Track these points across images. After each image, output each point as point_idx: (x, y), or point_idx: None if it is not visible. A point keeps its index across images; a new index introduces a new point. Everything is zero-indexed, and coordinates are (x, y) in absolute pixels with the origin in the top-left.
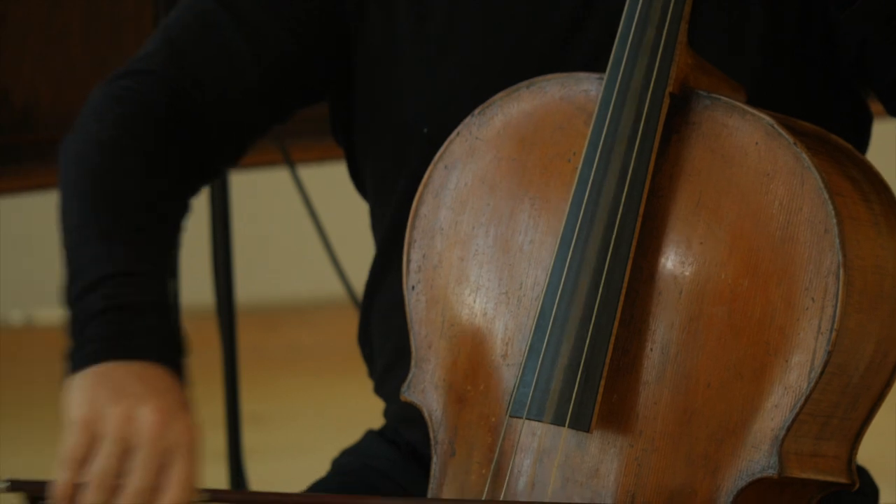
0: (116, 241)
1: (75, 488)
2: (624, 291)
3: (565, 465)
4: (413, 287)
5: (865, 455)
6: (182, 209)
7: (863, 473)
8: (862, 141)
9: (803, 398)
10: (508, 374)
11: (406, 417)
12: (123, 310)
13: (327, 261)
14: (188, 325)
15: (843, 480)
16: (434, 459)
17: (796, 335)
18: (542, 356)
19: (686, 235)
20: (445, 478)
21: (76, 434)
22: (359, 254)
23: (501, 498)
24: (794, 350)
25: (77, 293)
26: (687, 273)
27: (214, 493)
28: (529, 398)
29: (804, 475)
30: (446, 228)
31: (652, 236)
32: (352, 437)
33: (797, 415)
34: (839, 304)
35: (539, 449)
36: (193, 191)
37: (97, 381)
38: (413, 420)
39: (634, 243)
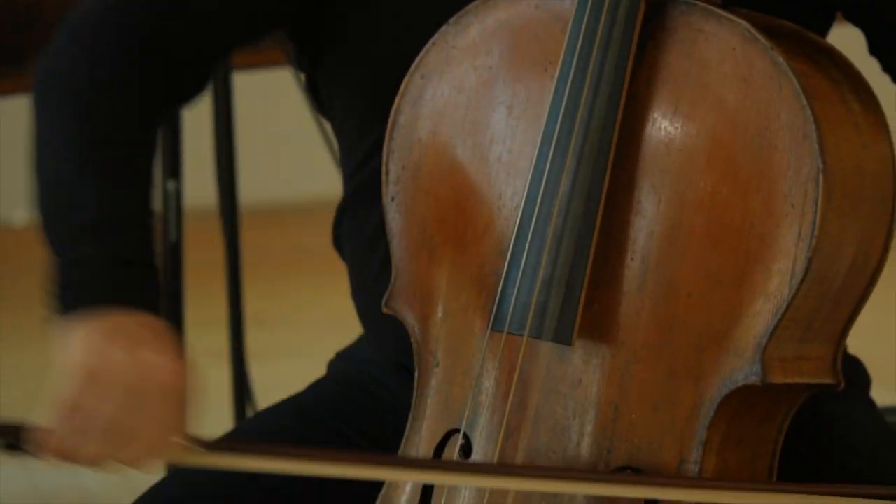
0: (106, 180)
1: (66, 436)
2: (603, 201)
3: (548, 377)
4: (392, 198)
5: (860, 353)
6: (154, 142)
7: (856, 363)
8: None
9: (785, 305)
10: (490, 286)
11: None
12: (122, 258)
13: (332, 161)
14: (192, 226)
15: (828, 381)
16: (417, 371)
17: (776, 242)
18: (522, 269)
19: (664, 143)
20: (429, 389)
21: (78, 380)
22: None
23: (484, 410)
24: (775, 257)
25: (69, 233)
26: (666, 182)
27: (207, 445)
28: (510, 312)
29: (788, 380)
30: (424, 139)
31: (630, 144)
32: (355, 338)
33: (779, 321)
34: (819, 210)
35: (521, 361)
36: (158, 124)
37: (102, 328)
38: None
39: (612, 152)
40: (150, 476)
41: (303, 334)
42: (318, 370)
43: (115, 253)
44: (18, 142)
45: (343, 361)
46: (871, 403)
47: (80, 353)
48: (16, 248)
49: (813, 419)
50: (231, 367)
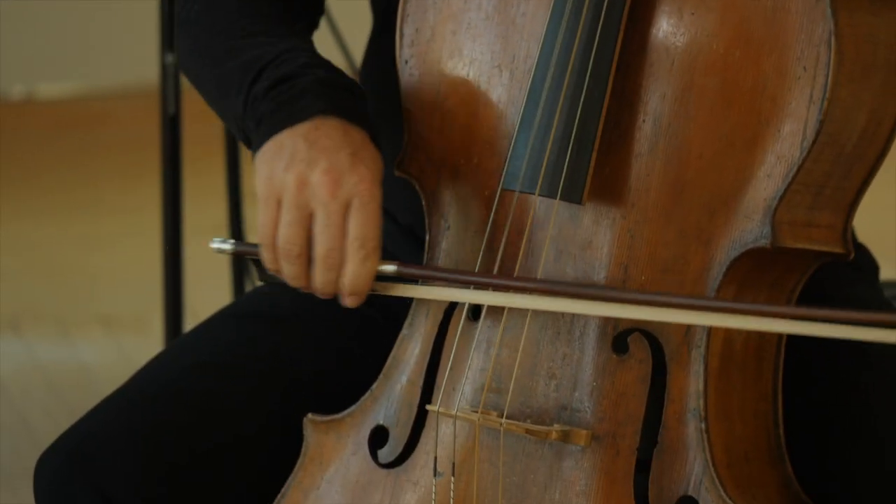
0: (267, 39)
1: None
2: (615, 63)
3: (558, 237)
4: (406, 61)
5: (865, 231)
6: None
7: (863, 250)
8: None
9: (795, 167)
10: (501, 148)
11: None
12: (284, 80)
13: (328, 33)
14: (190, 99)
15: (837, 250)
16: (428, 235)
17: (788, 104)
18: (534, 128)
19: (677, 6)
20: (440, 251)
21: (261, 212)
22: (360, 26)
23: (495, 270)
24: (786, 119)
25: (245, 94)
26: (678, 44)
27: (401, 267)
28: (522, 171)
29: (797, 245)
30: (439, 1)
31: (643, 7)
32: None
33: (790, 184)
34: (831, 73)
35: (532, 221)
36: None
37: (271, 155)
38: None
39: (626, 14)
40: (148, 351)
41: None
42: None
43: (271, 78)
44: (15, 15)
45: None
46: (879, 289)
47: (257, 184)
48: (14, 121)
49: (822, 303)
50: None
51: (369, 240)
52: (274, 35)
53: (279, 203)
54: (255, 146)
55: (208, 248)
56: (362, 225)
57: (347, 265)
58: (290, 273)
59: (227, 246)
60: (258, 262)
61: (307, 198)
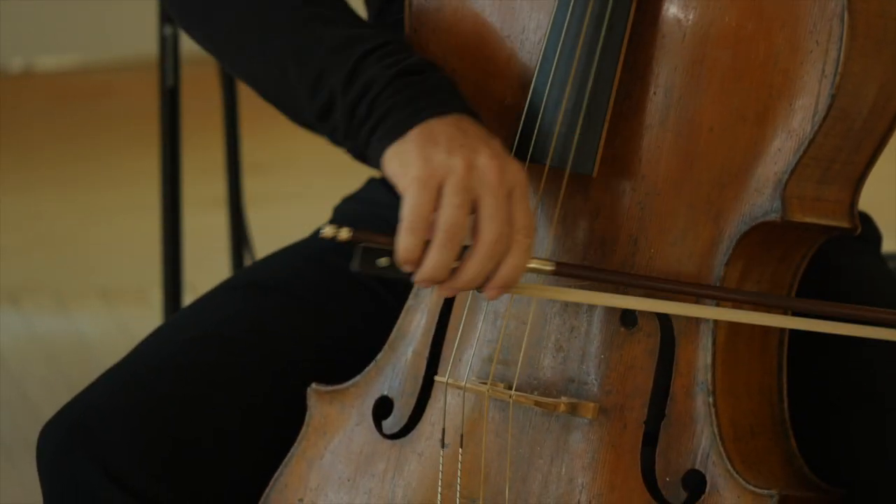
0: (347, 24)
1: (419, 252)
2: (627, 35)
3: (568, 209)
4: (415, 31)
5: (869, 202)
6: None
7: (866, 220)
8: None
9: (806, 142)
10: (511, 119)
11: None
12: (411, 72)
13: None
14: (189, 72)
15: (845, 224)
16: None
17: (800, 79)
18: (545, 100)
19: None
20: None
21: (416, 194)
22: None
23: None
24: (798, 94)
25: (343, 74)
26: (690, 16)
27: (560, 266)
28: (532, 142)
29: (806, 219)
30: None
31: None
32: (352, 184)
33: (800, 159)
34: (843, 48)
35: (542, 192)
36: None
37: (424, 140)
38: None
39: None
40: (147, 324)
41: (300, 180)
42: (314, 215)
43: (397, 66)
44: None
45: (352, 204)
46: (883, 259)
47: (409, 170)
48: (13, 95)
49: (826, 274)
50: (228, 215)
51: (532, 229)
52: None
53: (439, 187)
54: (385, 136)
55: (207, 220)
56: (527, 213)
57: (512, 254)
58: (438, 260)
59: (344, 233)
60: (370, 250)
61: (475, 182)
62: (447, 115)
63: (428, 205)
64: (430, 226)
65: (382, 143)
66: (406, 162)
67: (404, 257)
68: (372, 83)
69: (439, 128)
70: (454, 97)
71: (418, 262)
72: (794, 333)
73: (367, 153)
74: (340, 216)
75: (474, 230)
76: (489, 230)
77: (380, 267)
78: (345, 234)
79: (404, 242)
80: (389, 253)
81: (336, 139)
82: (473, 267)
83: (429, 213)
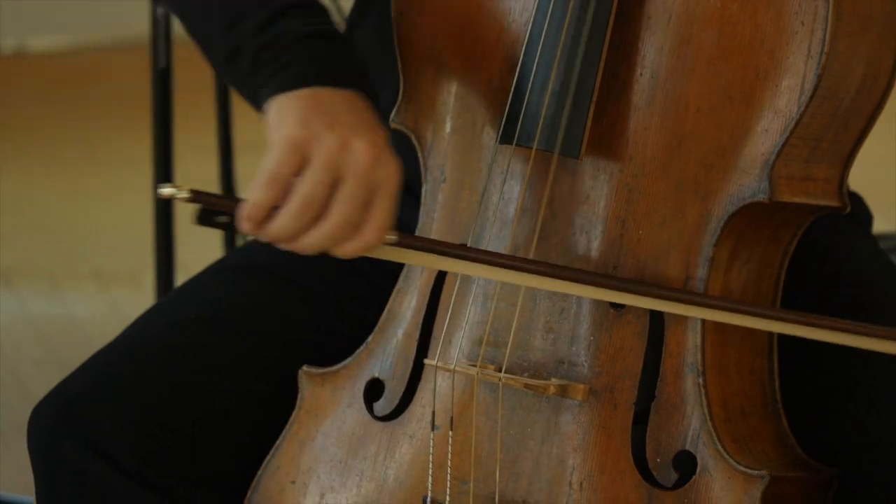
0: None
1: (266, 211)
2: (613, 15)
3: (556, 192)
4: (402, 13)
5: (860, 183)
6: None
7: (858, 200)
8: None
9: (793, 122)
10: (498, 101)
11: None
12: (324, 37)
13: None
14: (182, 52)
15: (834, 203)
16: (425, 186)
17: (786, 59)
18: (531, 82)
19: None
20: (436, 204)
21: (283, 153)
22: None
23: (491, 225)
24: (784, 74)
25: (259, 21)
26: None
27: (402, 238)
28: (519, 124)
29: (795, 199)
30: None
31: None
32: None
33: (787, 139)
34: (829, 27)
35: (529, 176)
36: None
37: (311, 104)
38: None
39: None
40: (140, 306)
41: None
42: None
43: (313, 27)
44: None
45: None
46: (874, 239)
47: (284, 127)
48: (8, 75)
49: (818, 254)
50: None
51: (387, 230)
52: None
53: (306, 157)
54: (278, 83)
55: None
56: (387, 213)
57: (355, 241)
58: (285, 228)
59: (184, 193)
60: (211, 209)
61: (343, 163)
62: (343, 90)
63: (289, 167)
64: (285, 189)
65: (272, 90)
66: (284, 117)
67: (250, 213)
68: (283, 35)
69: (330, 98)
70: (358, 76)
71: (260, 222)
72: None
73: (258, 97)
74: None
75: (325, 207)
76: (338, 213)
77: (218, 223)
78: (184, 193)
79: (255, 196)
80: (230, 214)
81: (236, 84)
82: (311, 239)
83: (288, 175)
